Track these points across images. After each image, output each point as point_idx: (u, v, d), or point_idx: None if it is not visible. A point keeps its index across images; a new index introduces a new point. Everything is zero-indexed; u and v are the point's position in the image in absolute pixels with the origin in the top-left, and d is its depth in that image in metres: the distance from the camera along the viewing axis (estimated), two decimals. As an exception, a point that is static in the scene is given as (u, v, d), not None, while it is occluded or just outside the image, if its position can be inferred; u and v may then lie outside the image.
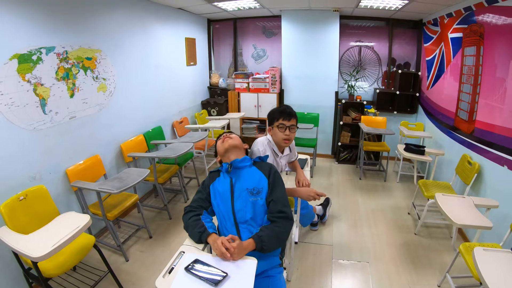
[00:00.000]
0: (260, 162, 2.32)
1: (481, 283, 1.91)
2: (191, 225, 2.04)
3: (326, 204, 4.19)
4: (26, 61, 2.84)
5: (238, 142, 2.34)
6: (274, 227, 1.99)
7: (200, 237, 1.97)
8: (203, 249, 1.97)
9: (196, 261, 1.79)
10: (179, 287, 1.63)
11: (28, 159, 2.95)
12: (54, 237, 2.30)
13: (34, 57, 2.93)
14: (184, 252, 1.89)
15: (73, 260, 2.62)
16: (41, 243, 2.24)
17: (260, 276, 2.03)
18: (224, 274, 1.67)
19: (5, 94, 2.67)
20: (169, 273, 1.73)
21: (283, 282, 2.07)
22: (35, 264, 2.30)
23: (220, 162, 2.40)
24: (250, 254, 1.89)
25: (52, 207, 2.95)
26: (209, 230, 1.98)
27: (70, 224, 2.46)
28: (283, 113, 2.73)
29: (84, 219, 2.52)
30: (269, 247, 1.92)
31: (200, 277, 1.66)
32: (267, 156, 2.45)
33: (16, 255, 2.56)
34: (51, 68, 3.12)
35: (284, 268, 2.29)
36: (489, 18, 3.47)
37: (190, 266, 1.74)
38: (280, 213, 2.03)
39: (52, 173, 3.21)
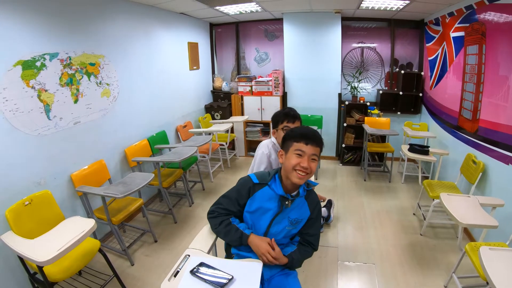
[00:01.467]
0: (310, 191, 2.12)
1: (487, 283, 1.90)
2: (224, 232, 2.00)
3: (329, 205, 4.18)
4: (30, 67, 2.86)
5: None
6: (304, 252, 2.09)
7: (240, 241, 1.96)
8: (208, 252, 1.98)
9: (202, 264, 1.79)
10: (184, 290, 1.63)
11: (33, 165, 2.97)
12: (60, 241, 2.30)
13: (38, 63, 2.95)
14: (189, 256, 1.89)
15: (79, 265, 2.63)
16: (46, 248, 2.25)
17: (276, 275, 2.04)
18: (230, 277, 1.67)
19: (9, 100, 2.69)
20: (175, 276, 1.73)
21: (298, 282, 2.07)
22: (40, 268, 2.31)
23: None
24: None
25: (57, 212, 2.96)
26: (246, 232, 1.98)
27: (75, 229, 2.47)
28: (287, 116, 2.74)
29: (89, 224, 2.53)
30: (295, 267, 2.08)
31: (205, 280, 1.66)
32: (317, 184, 2.26)
33: (22, 259, 2.57)
34: (55, 74, 3.14)
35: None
36: (490, 16, 3.46)
37: (195, 269, 1.74)
38: (311, 245, 2.12)
39: (57, 178, 3.23)
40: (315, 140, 1.94)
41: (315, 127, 5.55)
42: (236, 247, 2.07)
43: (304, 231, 2.10)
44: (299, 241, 2.13)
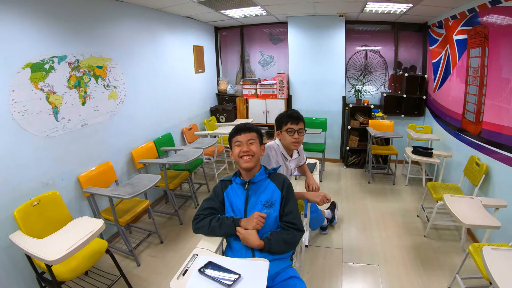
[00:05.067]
0: (274, 173, 2.35)
1: (491, 283, 1.91)
2: (217, 225, 2.12)
3: (333, 207, 4.21)
4: (38, 69, 2.91)
5: (257, 159, 2.29)
6: (284, 233, 2.14)
7: (234, 225, 2.10)
8: (215, 252, 2.01)
9: (209, 263, 1.82)
10: (193, 288, 1.67)
11: (41, 166, 3.01)
12: (69, 241, 2.34)
13: (47, 66, 3.00)
14: (197, 255, 1.93)
15: (86, 264, 2.66)
16: (55, 247, 2.28)
17: (282, 279, 2.08)
18: (237, 276, 1.70)
19: (18, 102, 2.74)
20: (183, 275, 1.76)
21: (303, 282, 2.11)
22: (49, 267, 2.34)
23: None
24: (264, 256, 2.02)
25: (65, 212, 3.01)
26: (236, 217, 2.17)
27: (84, 229, 2.50)
28: (291, 117, 2.76)
29: (97, 224, 2.56)
30: (276, 249, 2.07)
31: (213, 279, 1.69)
32: (279, 167, 2.50)
33: (30, 259, 2.61)
34: (63, 77, 3.19)
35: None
36: (493, 19, 3.49)
37: (203, 268, 1.78)
38: (292, 224, 2.17)
39: (64, 179, 3.27)
40: (246, 128, 2.30)
41: (319, 130, 5.61)
42: (228, 239, 2.22)
43: (282, 212, 2.22)
44: (280, 226, 2.22)
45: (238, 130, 2.31)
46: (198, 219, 2.19)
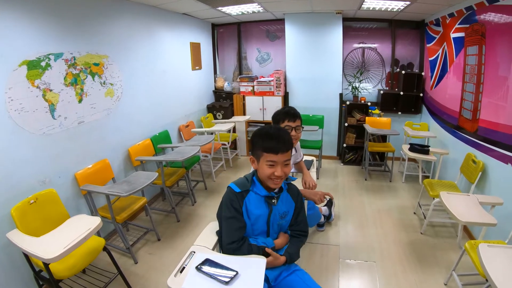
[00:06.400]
0: (290, 184, 2.24)
1: (487, 280, 1.92)
2: (255, 251, 1.99)
3: (330, 204, 4.21)
4: (35, 67, 2.90)
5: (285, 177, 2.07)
6: (297, 242, 2.23)
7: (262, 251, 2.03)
8: (213, 249, 2.02)
9: (207, 260, 1.82)
10: (190, 285, 1.66)
11: (38, 164, 3.00)
12: (66, 239, 2.33)
13: (43, 63, 2.98)
14: (194, 252, 1.93)
15: (83, 262, 2.66)
16: (53, 245, 2.27)
17: (286, 275, 2.11)
18: (234, 273, 1.70)
19: (15, 100, 2.73)
20: (181, 272, 1.76)
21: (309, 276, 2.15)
22: (46, 265, 2.33)
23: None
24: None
25: (62, 210, 3.00)
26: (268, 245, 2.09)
27: (81, 226, 2.49)
28: (287, 115, 2.76)
29: (94, 221, 2.55)
30: (295, 259, 2.17)
31: (211, 276, 1.70)
32: (295, 179, 2.39)
33: (27, 257, 2.60)
34: (60, 74, 3.17)
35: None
36: (490, 17, 3.49)
37: (200, 265, 1.78)
38: (303, 232, 2.25)
39: (61, 177, 3.26)
40: (285, 145, 1.92)
41: (316, 127, 5.60)
42: None
43: (293, 221, 2.21)
44: (290, 234, 2.24)
45: (275, 148, 1.90)
46: (238, 245, 1.97)
